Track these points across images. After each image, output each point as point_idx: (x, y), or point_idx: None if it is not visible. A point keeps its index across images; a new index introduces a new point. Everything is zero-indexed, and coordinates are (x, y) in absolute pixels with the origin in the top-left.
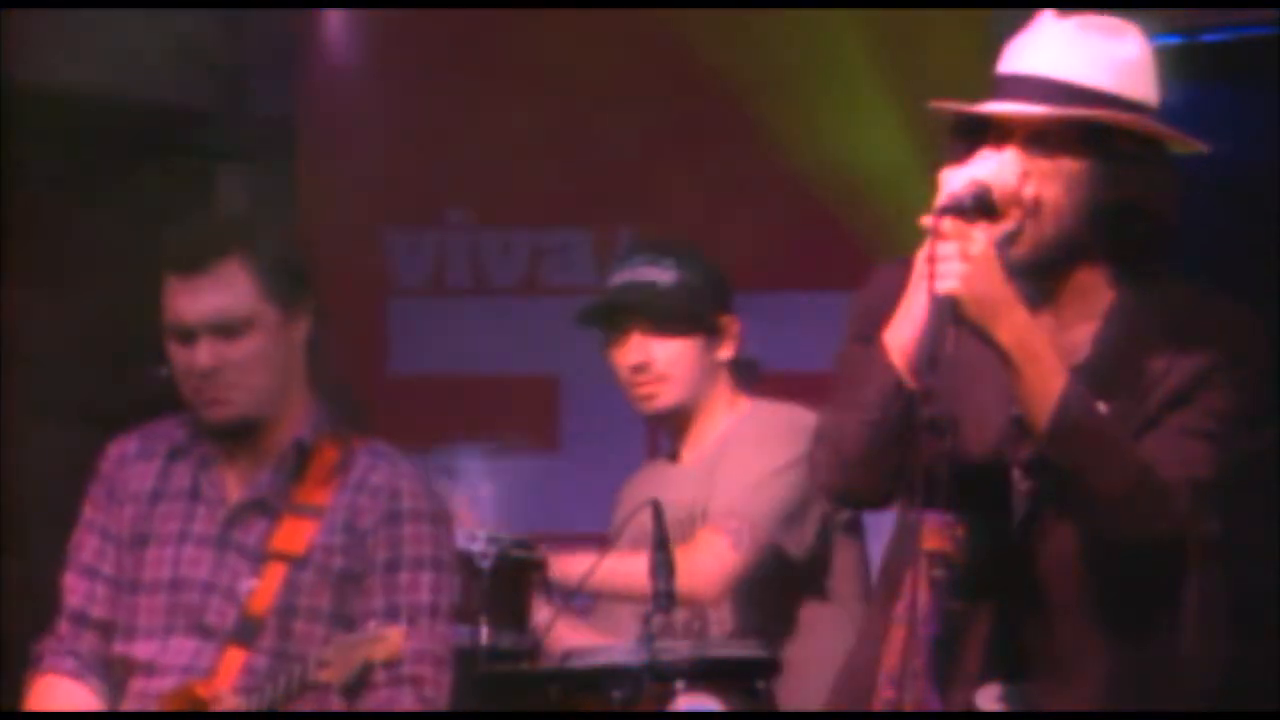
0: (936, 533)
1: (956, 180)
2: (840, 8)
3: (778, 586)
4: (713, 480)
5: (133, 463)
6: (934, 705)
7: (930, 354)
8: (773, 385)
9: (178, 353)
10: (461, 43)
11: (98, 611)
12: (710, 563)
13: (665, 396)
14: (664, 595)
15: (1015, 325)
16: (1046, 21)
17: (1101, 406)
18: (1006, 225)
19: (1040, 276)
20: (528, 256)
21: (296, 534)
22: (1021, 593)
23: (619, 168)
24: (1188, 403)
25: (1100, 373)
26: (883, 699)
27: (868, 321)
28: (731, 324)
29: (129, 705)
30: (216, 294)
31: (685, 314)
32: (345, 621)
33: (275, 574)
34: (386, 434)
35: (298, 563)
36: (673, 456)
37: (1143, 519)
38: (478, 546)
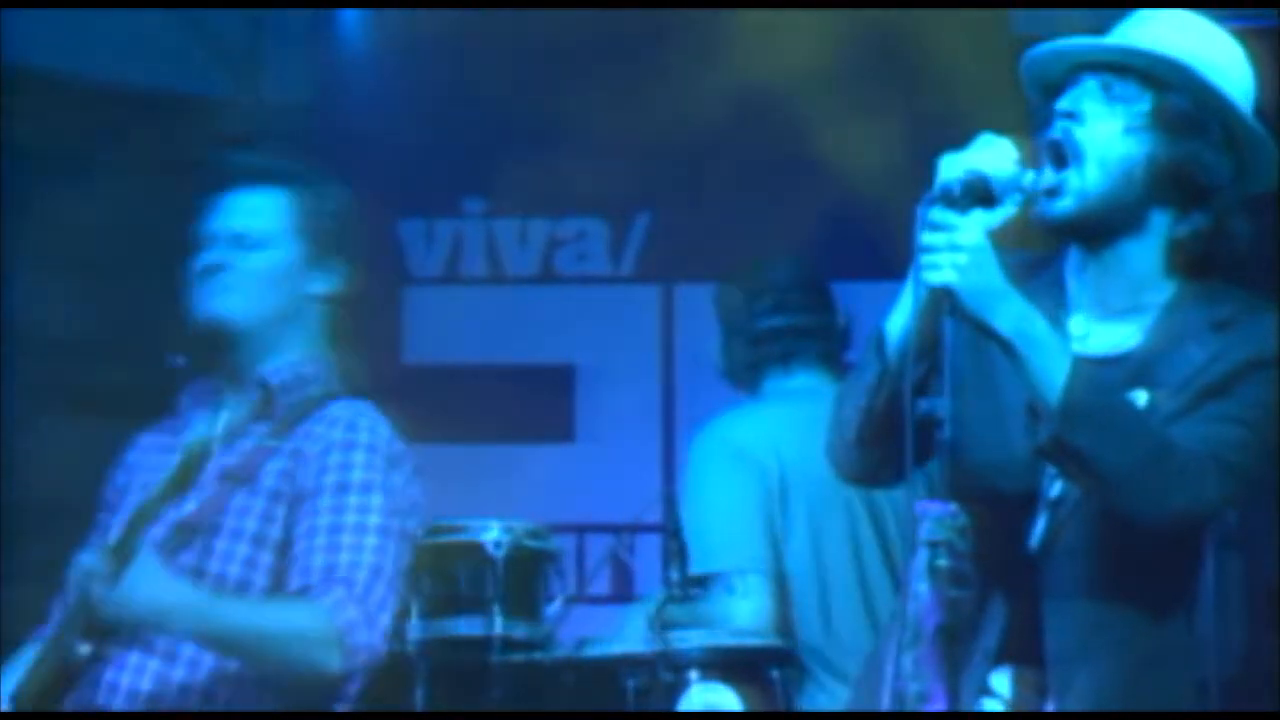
0: (938, 523)
1: (952, 168)
2: (842, 8)
3: None
4: None
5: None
6: (938, 698)
7: (920, 344)
8: None
9: (195, 259)
10: (477, 31)
11: None
12: None
13: None
14: (676, 584)
15: (1013, 314)
16: (1146, 10)
17: (1143, 394)
18: (1009, 212)
19: (1085, 241)
20: (544, 246)
21: (248, 461)
22: (1035, 580)
23: (635, 158)
24: (1226, 394)
25: (1148, 361)
26: (892, 691)
27: None
28: None
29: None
30: (247, 214)
31: None
32: (276, 545)
33: (213, 492)
34: (400, 423)
35: (234, 483)
36: None
37: (1160, 492)
38: (491, 536)
